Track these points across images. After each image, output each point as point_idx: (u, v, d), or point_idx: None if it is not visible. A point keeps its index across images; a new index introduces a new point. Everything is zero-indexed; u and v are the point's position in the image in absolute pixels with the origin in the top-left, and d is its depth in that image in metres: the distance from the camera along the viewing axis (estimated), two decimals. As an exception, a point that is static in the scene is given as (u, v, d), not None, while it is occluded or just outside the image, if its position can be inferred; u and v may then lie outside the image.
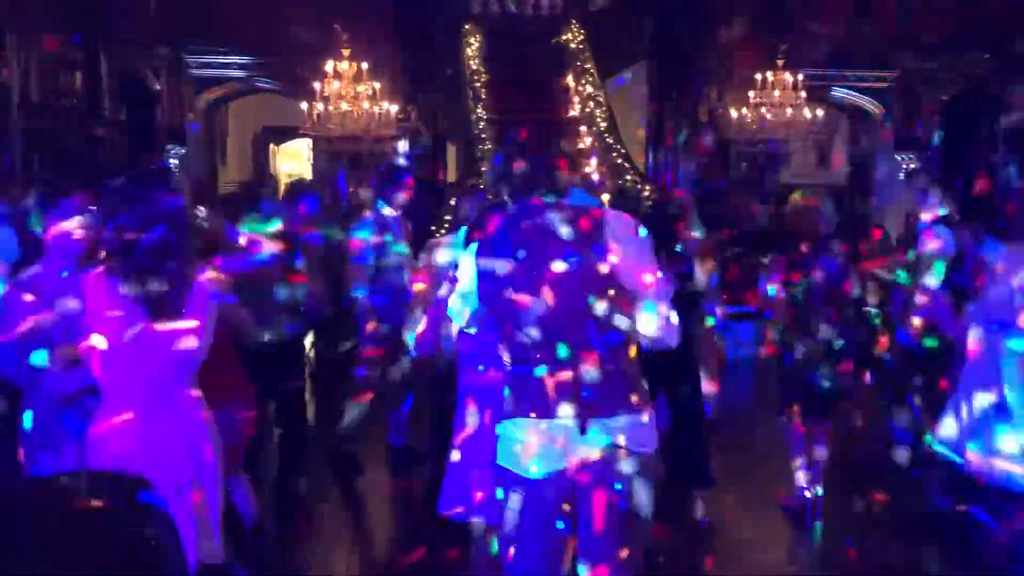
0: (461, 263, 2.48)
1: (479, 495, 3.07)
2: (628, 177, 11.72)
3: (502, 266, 2.37)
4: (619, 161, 12.00)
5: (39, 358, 2.91)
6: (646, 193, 11.17)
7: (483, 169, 11.25)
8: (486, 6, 14.26)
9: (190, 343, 2.59)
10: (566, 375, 2.34)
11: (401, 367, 5.20)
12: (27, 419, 3.10)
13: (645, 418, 2.41)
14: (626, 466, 2.38)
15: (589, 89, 12.93)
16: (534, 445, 2.35)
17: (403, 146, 11.54)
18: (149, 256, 2.51)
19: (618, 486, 2.37)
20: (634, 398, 2.39)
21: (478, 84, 12.72)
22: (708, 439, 4.64)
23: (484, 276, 2.39)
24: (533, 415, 2.36)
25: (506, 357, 2.42)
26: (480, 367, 3.18)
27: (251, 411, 3.99)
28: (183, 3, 11.02)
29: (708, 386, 4.78)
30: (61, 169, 7.71)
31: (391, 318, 4.99)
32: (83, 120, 8.81)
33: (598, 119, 12.54)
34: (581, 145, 12.63)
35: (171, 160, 11.20)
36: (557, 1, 14.35)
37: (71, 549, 1.11)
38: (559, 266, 2.35)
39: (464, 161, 12.53)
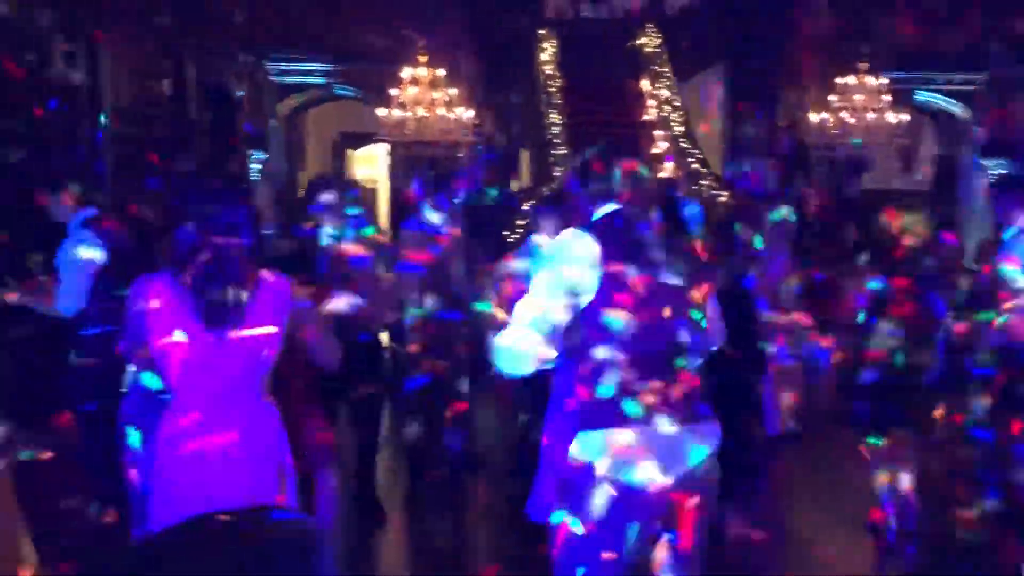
0: (545, 279, 2.39)
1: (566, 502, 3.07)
2: (704, 182, 11.59)
3: (606, 280, 2.35)
4: (695, 165, 11.88)
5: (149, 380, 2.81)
6: (722, 198, 11.03)
7: (556, 174, 11.26)
8: (561, 11, 14.29)
9: (260, 351, 2.52)
10: (668, 385, 2.35)
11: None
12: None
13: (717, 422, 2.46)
14: (714, 473, 2.42)
15: (665, 93, 12.84)
16: (638, 454, 2.34)
17: (477, 151, 11.61)
18: (213, 264, 2.46)
19: (708, 493, 2.41)
20: (707, 406, 2.44)
21: (552, 89, 12.74)
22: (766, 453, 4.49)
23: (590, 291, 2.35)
24: (635, 424, 2.34)
25: (608, 369, 2.36)
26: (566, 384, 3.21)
27: (320, 414, 4.05)
28: (266, 12, 11.30)
29: (786, 399, 4.69)
30: (148, 174, 7.98)
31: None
32: (170, 126, 9.09)
33: (674, 123, 12.44)
34: (656, 149, 12.54)
35: (253, 165, 11.50)
36: (633, 5, 14.29)
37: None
38: (658, 278, 2.37)
39: (537, 166, 12.55)
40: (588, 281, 2.33)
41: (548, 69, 13.04)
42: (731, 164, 12.79)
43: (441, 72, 10.60)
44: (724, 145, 13.29)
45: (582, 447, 2.37)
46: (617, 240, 2.37)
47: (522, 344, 2.33)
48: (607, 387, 2.34)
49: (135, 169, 7.61)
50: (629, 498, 2.32)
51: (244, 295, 2.47)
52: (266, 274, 2.55)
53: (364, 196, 16.04)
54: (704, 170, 11.87)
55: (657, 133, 12.68)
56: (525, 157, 13.30)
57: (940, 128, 13.33)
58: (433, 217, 5.31)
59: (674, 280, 2.38)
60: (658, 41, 13.43)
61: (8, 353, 4.84)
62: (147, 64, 8.66)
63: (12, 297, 4.23)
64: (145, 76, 8.60)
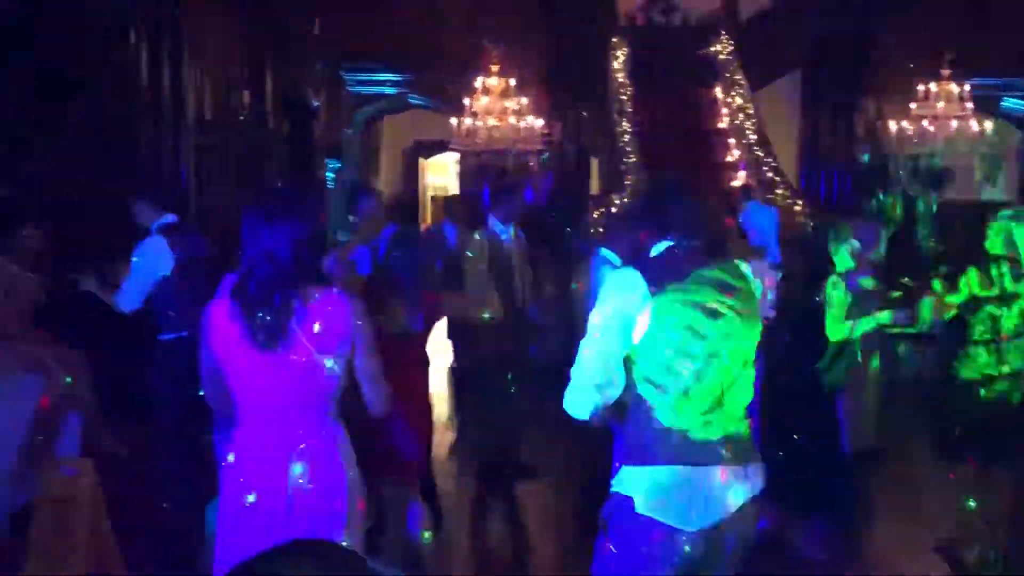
0: (599, 319, 2.37)
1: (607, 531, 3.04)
2: (779, 191, 11.40)
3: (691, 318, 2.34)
4: (770, 174, 11.69)
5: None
6: (798, 208, 10.84)
7: (626, 183, 11.21)
8: (633, 19, 14.21)
9: (317, 371, 2.48)
10: (715, 424, 2.34)
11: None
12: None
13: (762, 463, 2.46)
14: (761, 512, 2.41)
15: (739, 100, 12.67)
16: (692, 494, 2.33)
17: (546, 160, 11.63)
18: (267, 287, 2.44)
19: (750, 533, 2.40)
20: (756, 447, 2.45)
21: (624, 97, 12.68)
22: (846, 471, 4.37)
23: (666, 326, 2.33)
24: (680, 463, 2.33)
25: (656, 405, 2.35)
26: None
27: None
28: (342, 23, 11.51)
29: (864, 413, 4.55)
30: (228, 184, 8.20)
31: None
32: (250, 136, 9.33)
33: (748, 131, 12.26)
34: (730, 158, 12.38)
35: (328, 174, 11.71)
36: (706, 12, 14.14)
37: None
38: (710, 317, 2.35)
39: (607, 174, 12.51)
40: (639, 317, 2.31)
41: (619, 77, 12.98)
42: (807, 173, 12.57)
43: (512, 81, 10.66)
44: (800, 154, 13.05)
45: (625, 481, 2.36)
46: (670, 275, 2.34)
47: (581, 394, 2.33)
48: (656, 423, 2.33)
49: (215, 179, 7.83)
50: (664, 537, 2.30)
51: (292, 317, 2.42)
52: (326, 292, 2.49)
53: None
54: (778, 179, 11.66)
55: (730, 141, 12.51)
56: (595, 165, 13.27)
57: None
58: (499, 227, 5.38)
59: (729, 317, 2.35)
60: (731, 48, 13.26)
61: (99, 356, 5.04)
62: (228, 75, 8.90)
63: (88, 282, 4.46)
64: (226, 87, 8.85)
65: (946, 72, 10.85)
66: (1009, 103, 12.13)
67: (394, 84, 12.48)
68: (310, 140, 11.15)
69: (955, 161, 11.12)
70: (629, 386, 2.35)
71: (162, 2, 7.20)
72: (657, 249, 2.46)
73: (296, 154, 10.46)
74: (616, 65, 13.15)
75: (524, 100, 10.70)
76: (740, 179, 12.04)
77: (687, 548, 2.31)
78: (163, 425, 4.52)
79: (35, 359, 4.67)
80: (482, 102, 10.60)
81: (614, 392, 2.33)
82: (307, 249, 2.48)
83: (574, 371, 2.34)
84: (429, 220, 17.19)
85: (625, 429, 2.39)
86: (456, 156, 13.12)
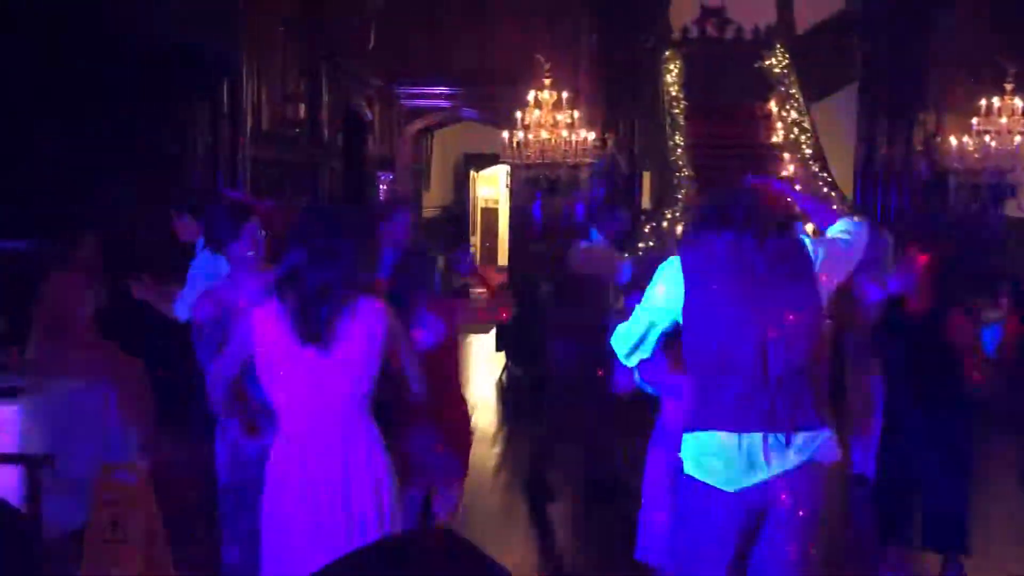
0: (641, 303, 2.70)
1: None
2: (834, 207, 11.21)
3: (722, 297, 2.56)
4: (825, 190, 11.50)
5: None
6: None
7: (678, 196, 11.12)
8: (687, 32, 14.14)
9: (353, 371, 2.62)
10: (766, 392, 2.51)
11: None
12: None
13: (828, 432, 2.58)
14: (815, 478, 2.54)
15: (794, 115, 12.51)
16: (730, 458, 2.50)
17: (600, 173, 11.60)
18: (324, 284, 2.58)
19: (805, 499, 2.52)
20: (819, 414, 2.57)
21: (676, 111, 12.61)
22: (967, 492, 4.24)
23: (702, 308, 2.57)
24: (729, 429, 2.51)
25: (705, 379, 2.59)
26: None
27: (468, 418, 4.12)
28: (395, 37, 11.64)
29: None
30: (285, 195, 8.32)
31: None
32: (306, 149, 9.46)
33: (803, 145, 12.09)
34: (784, 173, 12.22)
35: (381, 186, 11.82)
36: (761, 24, 14.01)
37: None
38: (777, 303, 2.55)
39: (659, 188, 12.43)
40: (673, 304, 2.59)
41: (673, 90, 12.91)
42: (864, 189, 12.35)
43: (564, 94, 10.66)
44: (856, 169, 12.83)
45: (682, 446, 2.60)
46: (718, 263, 2.56)
47: (619, 344, 2.72)
48: (702, 392, 2.57)
49: (270, 191, 7.96)
50: (707, 497, 2.51)
51: (336, 318, 2.58)
52: (364, 298, 2.66)
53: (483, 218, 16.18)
54: (833, 194, 11.47)
55: (785, 156, 12.35)
56: (647, 179, 13.20)
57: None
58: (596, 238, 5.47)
59: (780, 299, 2.55)
60: (786, 61, 13.11)
61: (155, 365, 5.14)
62: (285, 88, 9.05)
63: (142, 291, 4.61)
64: (283, 100, 8.99)
65: (1009, 86, 10.58)
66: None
67: (446, 97, 12.57)
68: (364, 153, 11.27)
69: (1018, 178, 10.82)
70: (679, 360, 2.64)
71: (223, 15, 7.34)
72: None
73: (350, 167, 10.58)
74: (669, 79, 13.08)
75: (576, 113, 10.69)
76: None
77: (729, 508, 2.49)
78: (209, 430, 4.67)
79: (97, 369, 4.78)
80: (533, 115, 10.62)
81: (640, 356, 2.71)
82: (364, 256, 2.69)
83: (620, 328, 2.71)
84: (479, 232, 17.27)
85: (679, 400, 2.71)
86: (507, 169, 13.15)
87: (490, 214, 17.51)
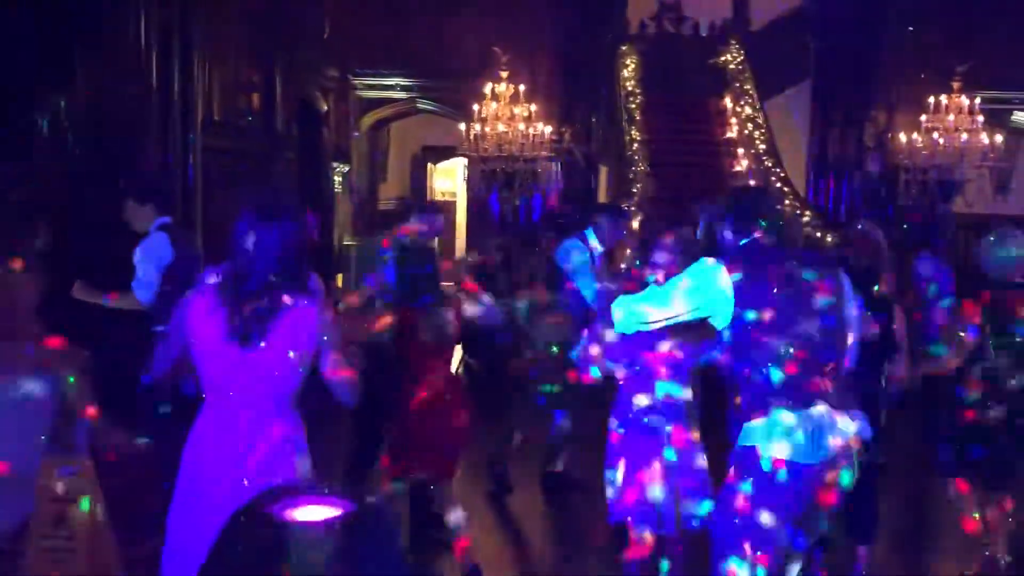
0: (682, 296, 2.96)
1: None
2: (787, 202, 11.36)
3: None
4: (778, 185, 11.65)
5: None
6: (806, 218, 10.80)
7: (634, 191, 11.18)
8: (644, 27, 14.21)
9: (282, 370, 2.60)
10: (824, 376, 2.88)
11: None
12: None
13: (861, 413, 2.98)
14: (858, 453, 2.92)
15: (748, 111, 12.65)
16: (804, 434, 2.81)
17: (556, 167, 11.61)
18: (259, 286, 2.56)
19: (852, 469, 2.91)
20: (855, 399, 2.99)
21: (633, 106, 12.67)
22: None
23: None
24: (800, 407, 2.83)
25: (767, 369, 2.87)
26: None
27: (465, 419, 4.12)
28: (352, 28, 11.53)
29: None
30: (234, 184, 8.20)
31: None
32: (259, 139, 9.33)
33: (757, 141, 12.24)
34: (738, 168, 12.35)
35: (336, 177, 11.71)
36: (716, 22, 14.14)
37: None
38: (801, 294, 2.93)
39: (616, 182, 12.49)
40: (723, 304, 2.89)
41: (629, 85, 12.98)
42: (815, 184, 12.53)
43: (522, 87, 10.65)
44: (808, 165, 13.01)
45: (749, 434, 2.85)
46: (758, 263, 2.93)
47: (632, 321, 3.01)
48: (769, 381, 2.84)
49: (223, 181, 7.83)
50: (790, 473, 2.79)
51: (268, 315, 2.56)
52: (301, 297, 2.62)
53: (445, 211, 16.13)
54: (786, 189, 11.63)
55: (739, 151, 12.49)
56: (604, 173, 13.25)
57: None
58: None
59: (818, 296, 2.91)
60: (741, 58, 13.25)
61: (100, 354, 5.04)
62: (238, 77, 8.91)
63: (80, 291, 4.69)
64: (236, 89, 8.85)
65: (956, 85, 10.81)
66: (1020, 116, 12.08)
67: (403, 88, 12.48)
68: (319, 144, 11.15)
69: (965, 174, 11.06)
70: (743, 355, 2.89)
71: (173, 2, 7.20)
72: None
73: (304, 158, 10.46)
74: (626, 73, 13.14)
75: (533, 107, 10.69)
76: (748, 189, 12.02)
77: (806, 481, 2.81)
78: (155, 419, 4.70)
79: (41, 360, 4.67)
80: (490, 108, 10.59)
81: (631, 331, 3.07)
82: (296, 253, 2.60)
83: (633, 303, 2.99)
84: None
85: (743, 392, 2.89)
86: (464, 161, 13.10)
87: (447, 207, 17.45)
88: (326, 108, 11.39)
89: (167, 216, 4.80)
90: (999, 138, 11.04)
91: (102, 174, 6.33)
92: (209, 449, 2.65)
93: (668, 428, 3.41)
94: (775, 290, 2.88)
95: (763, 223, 3.02)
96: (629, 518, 3.45)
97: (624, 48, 13.39)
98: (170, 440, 4.80)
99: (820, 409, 2.84)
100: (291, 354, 2.59)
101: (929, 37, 11.48)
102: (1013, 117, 12.04)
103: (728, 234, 3.10)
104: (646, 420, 3.42)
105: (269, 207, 2.64)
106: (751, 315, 2.86)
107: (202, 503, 2.59)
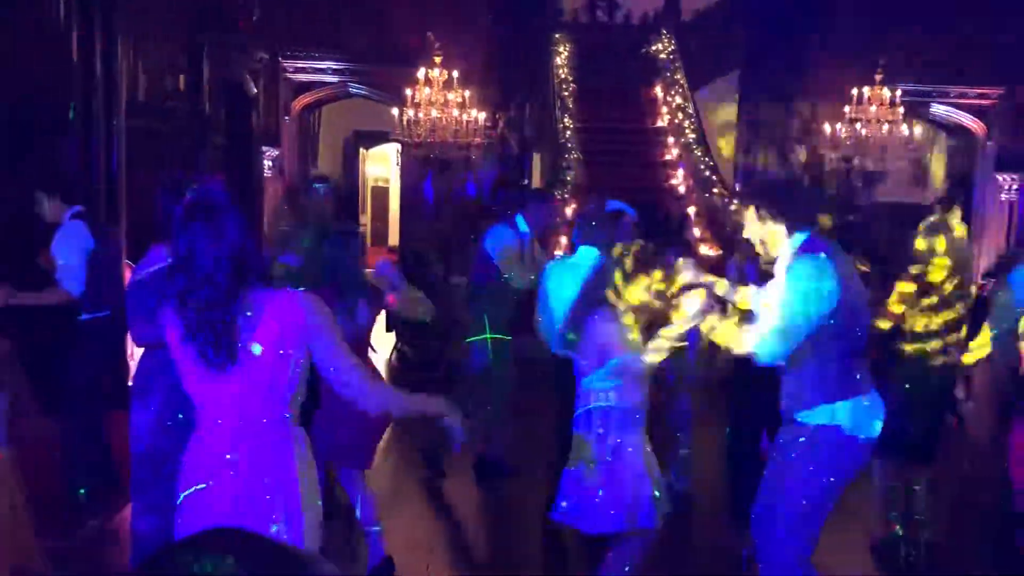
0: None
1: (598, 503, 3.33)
2: (715, 190, 11.57)
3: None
4: (707, 174, 11.85)
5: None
6: (733, 207, 11.01)
7: (567, 179, 11.25)
8: (576, 16, 14.27)
9: (270, 375, 2.33)
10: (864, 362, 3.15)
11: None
12: None
13: None
14: None
15: (678, 100, 12.82)
16: (876, 414, 3.09)
17: (489, 153, 11.61)
18: (206, 311, 2.27)
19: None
20: None
21: (566, 93, 12.73)
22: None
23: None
24: (862, 392, 3.07)
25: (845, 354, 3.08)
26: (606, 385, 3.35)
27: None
28: (282, 10, 11.32)
29: None
30: (161, 168, 7.99)
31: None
32: (186, 122, 9.11)
33: (687, 130, 12.42)
34: (668, 156, 12.53)
35: (266, 161, 11.51)
36: (648, 11, 14.28)
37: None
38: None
39: (550, 169, 12.55)
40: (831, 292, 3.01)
41: (562, 73, 13.03)
42: (743, 173, 12.77)
43: (455, 73, 10.61)
44: (737, 154, 13.26)
45: (830, 414, 3.01)
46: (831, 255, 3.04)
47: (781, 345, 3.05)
48: (848, 367, 3.03)
49: (149, 164, 7.63)
50: (865, 449, 3.08)
51: (239, 335, 2.27)
52: (275, 294, 2.35)
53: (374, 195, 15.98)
54: (715, 178, 11.84)
55: (669, 140, 12.66)
56: (538, 160, 13.30)
57: (954, 142, 13.30)
58: (524, 227, 5.39)
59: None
60: (672, 47, 13.41)
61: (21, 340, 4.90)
62: (163, 59, 8.68)
63: (29, 298, 4.56)
64: (161, 71, 8.62)
65: (878, 77, 11.12)
66: (938, 109, 12.49)
67: (334, 72, 12.32)
68: (248, 128, 10.94)
69: (886, 164, 11.41)
70: (824, 345, 3.00)
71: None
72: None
73: (233, 142, 10.25)
74: (559, 61, 13.20)
75: (467, 93, 10.66)
76: (678, 178, 12.20)
77: (865, 453, 3.10)
78: (81, 405, 4.69)
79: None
80: (424, 93, 10.53)
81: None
82: (246, 257, 2.29)
83: (781, 333, 3.00)
84: (369, 211, 17.05)
85: (824, 376, 3.02)
86: (397, 147, 13.00)
87: (380, 193, 17.29)
88: (256, 91, 11.17)
89: (79, 205, 4.73)
90: (919, 130, 11.41)
91: (21, 159, 6.11)
92: (204, 470, 2.36)
93: (621, 428, 3.37)
94: (850, 281, 3.03)
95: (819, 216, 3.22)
96: (566, 509, 3.41)
97: (558, 36, 13.44)
98: (92, 434, 4.74)
99: (875, 395, 3.12)
100: (276, 361, 2.30)
101: (852, 30, 11.78)
102: (931, 109, 12.44)
103: (782, 227, 3.08)
104: (600, 411, 3.39)
105: (207, 203, 2.31)
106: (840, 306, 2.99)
107: (202, 522, 2.29)
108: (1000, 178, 12.03)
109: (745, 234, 3.29)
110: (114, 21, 7.16)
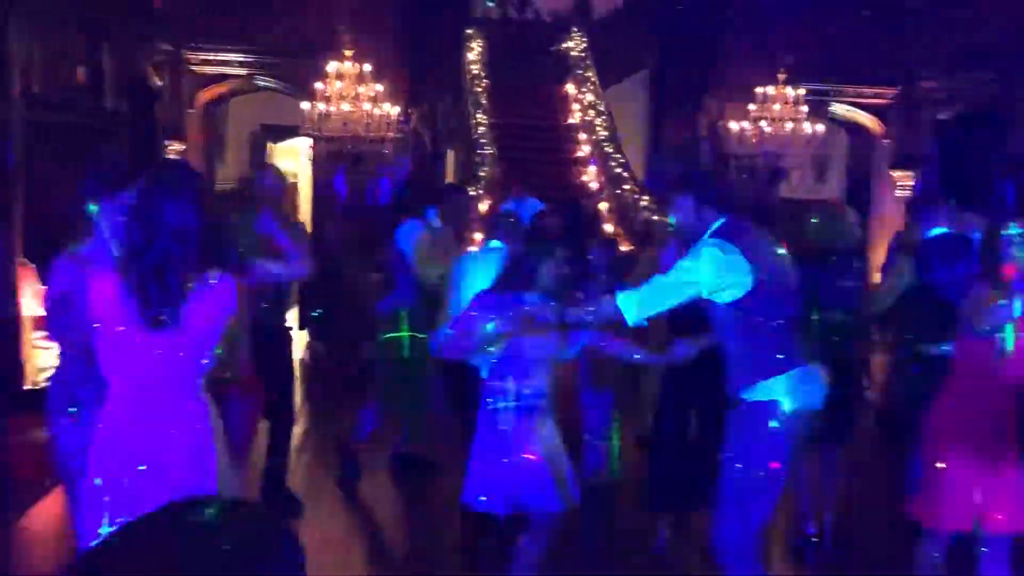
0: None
1: (500, 486, 3.36)
2: (626, 187, 11.74)
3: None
4: (618, 170, 12.01)
5: None
6: (644, 202, 11.20)
7: (481, 174, 11.26)
8: (488, 12, 14.28)
9: (197, 351, 2.52)
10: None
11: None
12: None
13: None
14: None
15: (590, 97, 12.96)
16: (811, 385, 3.22)
17: (402, 149, 11.53)
18: (154, 266, 2.44)
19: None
20: None
21: (478, 89, 12.73)
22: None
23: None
24: (795, 367, 3.18)
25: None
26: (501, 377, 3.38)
27: (257, 404, 4.01)
28: (186, 0, 11.01)
29: None
30: (61, 162, 7.69)
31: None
32: (87, 114, 8.78)
33: (598, 127, 12.56)
34: (580, 153, 12.66)
35: (170, 156, 11.17)
36: (559, 9, 14.39)
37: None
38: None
39: (463, 165, 12.54)
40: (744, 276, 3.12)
41: (475, 69, 13.02)
42: (653, 170, 13.00)
43: (367, 67, 10.49)
44: (648, 152, 13.49)
45: (767, 390, 3.12)
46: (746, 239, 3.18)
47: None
48: (772, 344, 3.14)
49: (47, 158, 7.33)
50: (807, 420, 3.18)
51: (184, 297, 2.45)
52: (211, 273, 2.52)
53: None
54: (626, 174, 12.01)
55: (581, 137, 12.78)
56: (451, 156, 13.27)
57: (852, 140, 13.81)
58: (437, 222, 5.34)
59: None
60: (583, 45, 13.55)
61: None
62: (63, 48, 8.34)
63: None
64: (60, 61, 8.28)
65: (781, 76, 11.47)
66: (837, 107, 12.95)
67: (241, 65, 12.03)
68: (151, 121, 10.60)
69: (790, 162, 11.79)
70: (751, 325, 3.12)
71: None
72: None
73: (136, 135, 9.92)
74: (471, 57, 13.18)
75: (379, 87, 10.56)
76: (590, 175, 12.34)
77: (802, 423, 3.17)
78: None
79: None
80: (335, 87, 10.38)
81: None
82: (205, 229, 2.50)
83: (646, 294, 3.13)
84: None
85: (756, 355, 3.14)
86: (309, 142, 12.79)
87: (289, 188, 16.99)
88: (159, 83, 10.84)
89: None
90: (820, 128, 11.82)
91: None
92: (122, 439, 2.49)
93: (533, 415, 3.41)
94: (770, 261, 3.16)
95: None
96: (484, 499, 3.44)
97: (470, 32, 13.42)
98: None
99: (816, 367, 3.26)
100: (206, 332, 2.50)
101: (757, 30, 12.11)
102: (832, 108, 12.89)
103: (693, 214, 3.24)
104: (509, 406, 3.42)
105: (167, 179, 2.53)
106: (761, 284, 3.09)
107: (119, 497, 2.42)
108: (895, 175, 12.54)
109: (671, 220, 3.39)
110: (7, 6, 6.87)
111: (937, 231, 4.31)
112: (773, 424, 3.12)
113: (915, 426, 3.60)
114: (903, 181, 12.40)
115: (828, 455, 4.44)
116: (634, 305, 3.12)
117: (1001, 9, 10.83)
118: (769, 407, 3.14)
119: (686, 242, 3.35)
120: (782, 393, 3.14)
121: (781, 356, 3.15)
